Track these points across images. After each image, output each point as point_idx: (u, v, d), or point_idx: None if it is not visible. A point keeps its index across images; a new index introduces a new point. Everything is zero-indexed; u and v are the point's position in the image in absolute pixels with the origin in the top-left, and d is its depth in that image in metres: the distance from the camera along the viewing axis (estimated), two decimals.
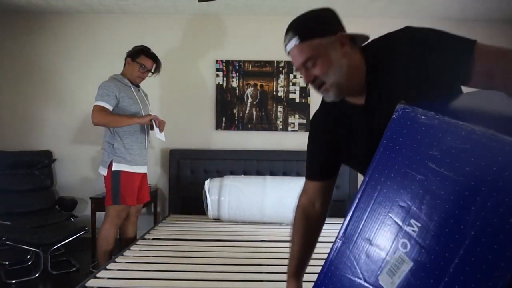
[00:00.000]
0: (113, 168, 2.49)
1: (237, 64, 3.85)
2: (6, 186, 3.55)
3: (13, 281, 2.71)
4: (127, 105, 2.54)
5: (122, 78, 2.60)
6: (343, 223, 0.88)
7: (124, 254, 2.34)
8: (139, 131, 2.61)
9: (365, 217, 0.84)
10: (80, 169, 3.85)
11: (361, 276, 0.83)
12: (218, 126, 3.86)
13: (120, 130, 2.53)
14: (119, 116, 2.50)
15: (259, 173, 3.68)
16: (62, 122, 3.85)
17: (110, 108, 2.47)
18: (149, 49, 2.65)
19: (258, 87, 3.86)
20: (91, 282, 1.85)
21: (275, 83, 3.85)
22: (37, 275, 2.79)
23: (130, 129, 2.55)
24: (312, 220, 1.24)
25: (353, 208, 0.86)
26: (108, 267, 2.08)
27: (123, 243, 2.78)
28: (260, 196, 3.15)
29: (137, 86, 2.70)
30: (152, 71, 2.68)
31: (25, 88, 3.87)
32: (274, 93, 3.86)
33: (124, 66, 2.66)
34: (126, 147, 2.53)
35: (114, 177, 2.49)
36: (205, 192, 3.22)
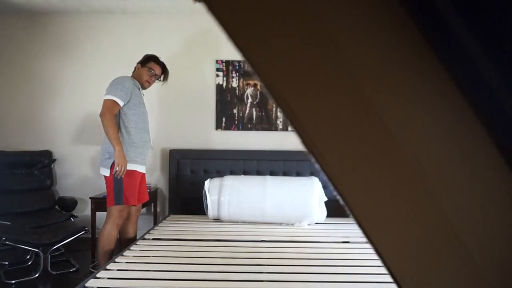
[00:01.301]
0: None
1: (237, 64, 3.85)
2: (6, 186, 3.55)
3: (13, 281, 2.71)
4: (136, 104, 2.55)
5: (133, 79, 2.63)
6: None
7: (124, 254, 2.33)
8: (144, 130, 2.64)
9: None
10: (80, 169, 3.85)
11: None
12: (218, 126, 3.86)
13: (130, 126, 2.53)
14: (115, 133, 2.42)
15: (259, 173, 3.68)
16: (62, 122, 3.85)
17: (122, 103, 2.46)
18: (158, 57, 2.75)
19: (258, 87, 3.86)
20: (91, 282, 1.85)
21: None
22: (37, 275, 2.79)
23: (138, 127, 2.58)
24: None
25: None
26: (108, 267, 2.08)
27: (123, 243, 2.78)
28: (260, 196, 3.14)
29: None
30: (161, 79, 2.80)
31: (25, 88, 3.86)
32: None
33: (133, 72, 2.72)
34: (132, 144, 2.54)
35: (117, 178, 2.49)
36: (205, 192, 3.21)
